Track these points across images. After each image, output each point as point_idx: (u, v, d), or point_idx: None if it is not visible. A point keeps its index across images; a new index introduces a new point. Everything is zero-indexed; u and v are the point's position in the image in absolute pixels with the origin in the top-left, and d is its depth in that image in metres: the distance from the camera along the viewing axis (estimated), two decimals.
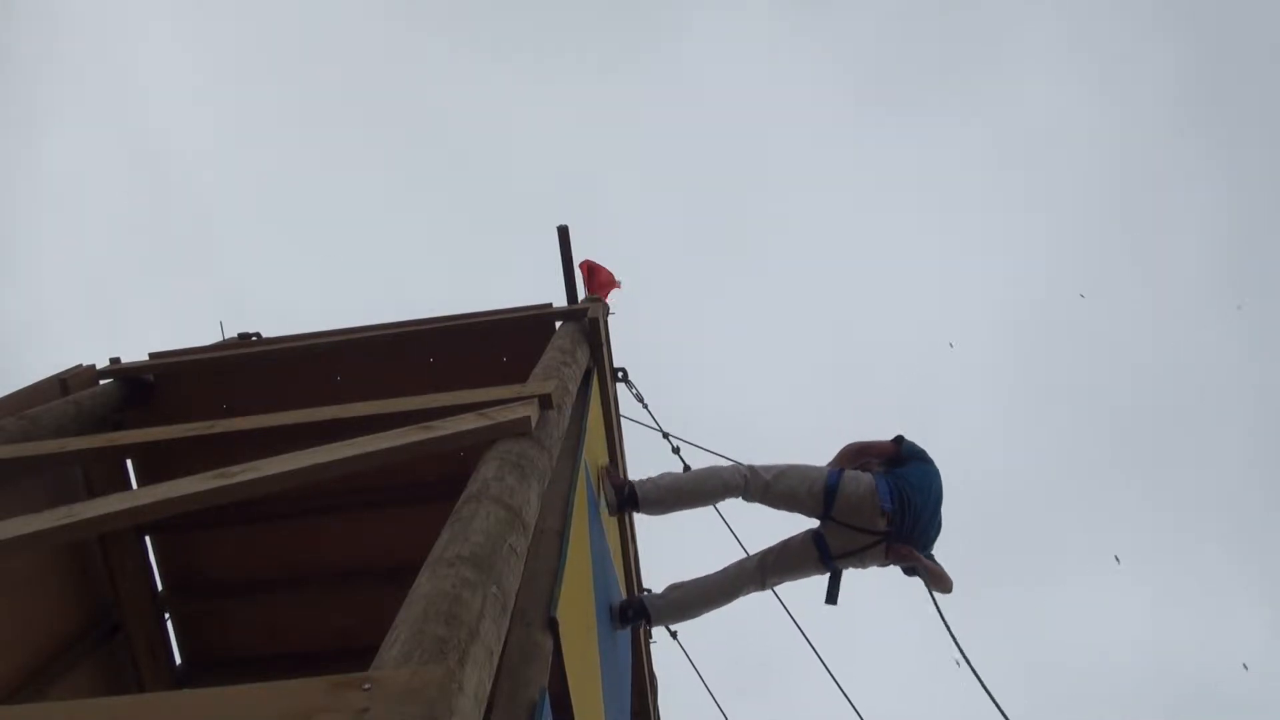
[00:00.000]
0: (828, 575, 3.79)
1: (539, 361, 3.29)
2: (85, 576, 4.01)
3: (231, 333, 4.72)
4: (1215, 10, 26.49)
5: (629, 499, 3.67)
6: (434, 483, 4.14)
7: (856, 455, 3.89)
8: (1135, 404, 26.39)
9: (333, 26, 29.52)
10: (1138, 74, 28.04)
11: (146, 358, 4.23)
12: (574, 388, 3.24)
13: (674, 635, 4.75)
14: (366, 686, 1.12)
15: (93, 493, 3.86)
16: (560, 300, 4.66)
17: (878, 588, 4.12)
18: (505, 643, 1.68)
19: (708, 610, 3.84)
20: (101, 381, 4.03)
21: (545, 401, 2.52)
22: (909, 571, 3.73)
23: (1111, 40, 28.26)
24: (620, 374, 4.62)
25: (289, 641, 4.64)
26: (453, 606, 1.40)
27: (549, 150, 31.68)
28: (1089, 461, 27.10)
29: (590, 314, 4.05)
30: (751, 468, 3.80)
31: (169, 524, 4.06)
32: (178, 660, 4.54)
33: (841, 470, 3.73)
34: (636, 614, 3.71)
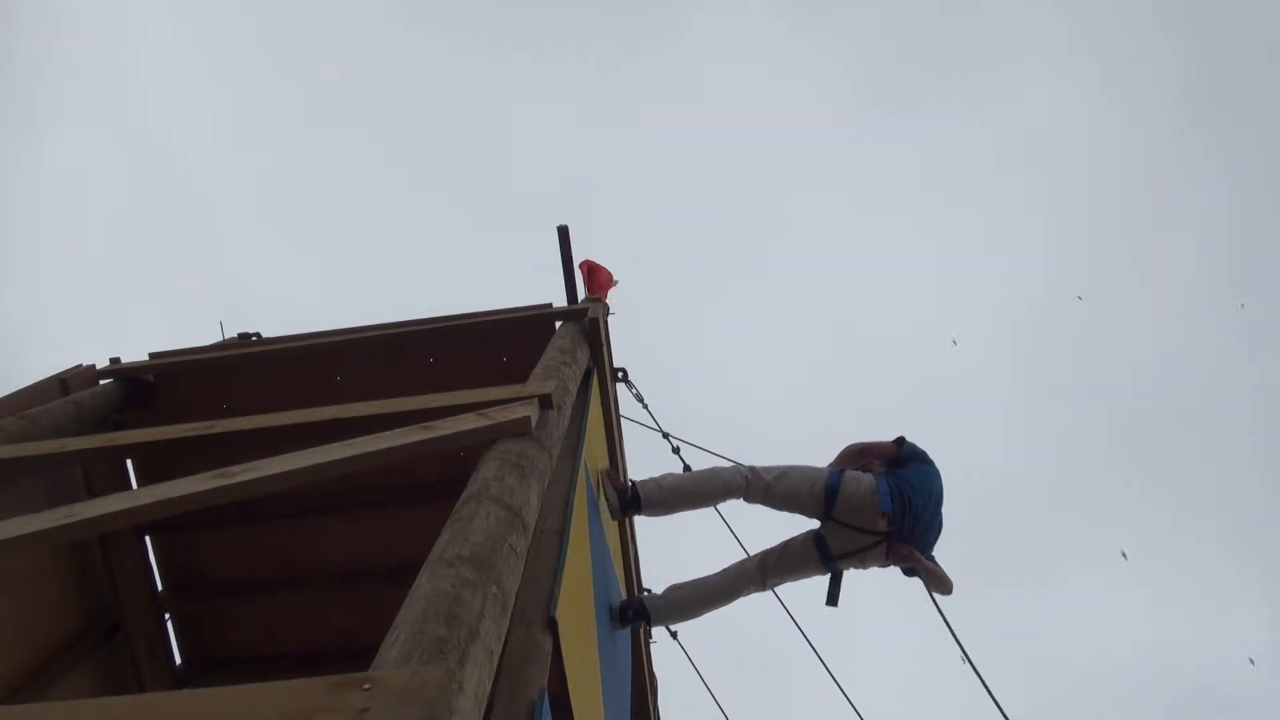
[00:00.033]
0: (828, 576, 3.79)
1: (539, 361, 3.29)
2: (85, 576, 4.01)
3: (231, 333, 4.72)
4: (1215, 10, 26.51)
5: (632, 501, 3.66)
6: (434, 483, 4.14)
7: (858, 456, 3.89)
8: (1135, 404, 26.41)
9: (333, 26, 29.54)
10: (1138, 74, 28.06)
11: (146, 358, 4.23)
12: (574, 388, 3.24)
13: (674, 635, 4.75)
14: (366, 686, 1.12)
15: (93, 493, 3.86)
16: (560, 300, 4.66)
17: (878, 588, 4.13)
18: (505, 643, 1.68)
19: (708, 611, 3.84)
20: (101, 381, 4.03)
21: (545, 401, 2.52)
22: (909, 572, 3.73)
23: (1111, 40, 28.28)
24: (620, 374, 4.62)
25: (289, 641, 4.64)
26: (453, 606, 1.40)
27: (549, 150, 31.71)
28: (1089, 461, 27.12)
29: (590, 314, 4.05)
30: (752, 469, 3.79)
31: (169, 524, 4.06)
32: (178, 660, 4.53)
33: (842, 471, 3.73)
34: (636, 614, 3.71)
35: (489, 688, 1.39)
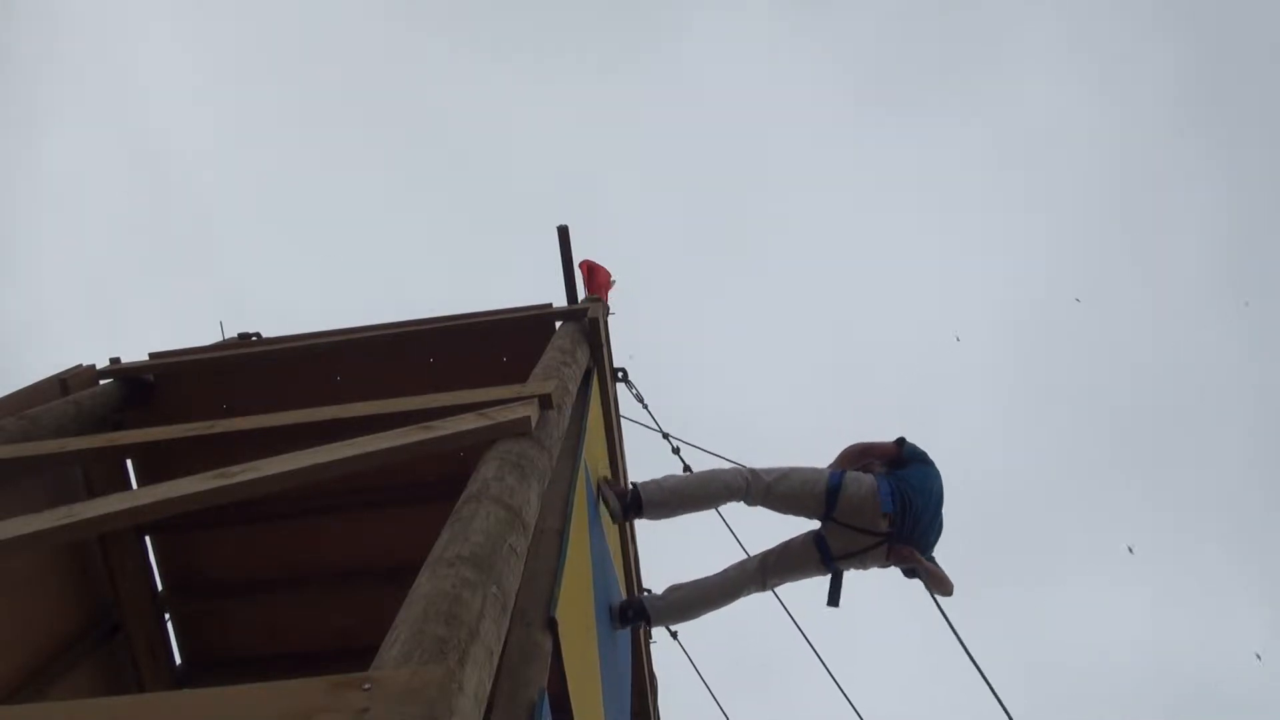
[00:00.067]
0: (829, 577, 3.79)
1: (539, 361, 3.29)
2: (85, 576, 4.01)
3: (231, 333, 4.72)
4: (1215, 10, 26.52)
5: (632, 505, 3.64)
6: (434, 483, 4.14)
7: (858, 456, 3.89)
8: (1135, 404, 26.41)
9: (333, 26, 29.54)
10: (1138, 74, 28.07)
11: (146, 358, 4.23)
12: (574, 388, 3.24)
13: (674, 635, 4.75)
14: (366, 686, 1.12)
15: (93, 493, 3.86)
16: (560, 300, 4.66)
17: (878, 589, 4.13)
18: (505, 643, 1.68)
19: (708, 611, 3.84)
20: (101, 381, 4.03)
21: (545, 401, 2.52)
22: (909, 574, 3.73)
23: (1111, 40, 28.29)
24: (620, 374, 4.62)
25: (289, 641, 4.64)
26: (453, 606, 1.40)
27: (549, 150, 31.72)
28: (1089, 461, 27.13)
29: (590, 314, 4.05)
30: (753, 470, 3.78)
31: (169, 524, 4.06)
32: (178, 660, 4.53)
33: (843, 471, 3.72)
34: (636, 614, 3.71)
35: (489, 688, 1.39)
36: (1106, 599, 22.74)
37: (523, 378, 3.04)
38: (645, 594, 4.47)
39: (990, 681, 3.24)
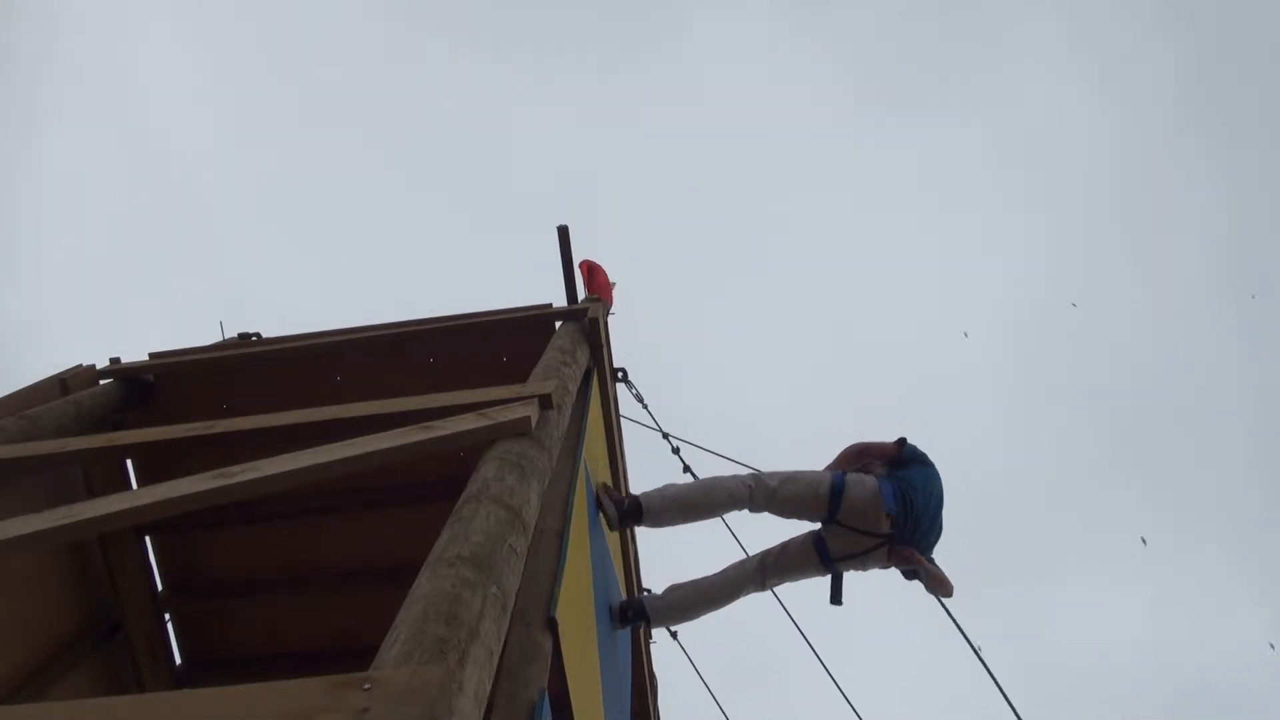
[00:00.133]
0: (829, 577, 3.78)
1: (539, 361, 3.28)
2: (85, 576, 4.01)
3: (231, 333, 4.73)
4: (1215, 10, 26.53)
5: (630, 511, 3.63)
6: (434, 483, 4.14)
7: (858, 457, 3.88)
8: (1135, 404, 26.42)
9: (333, 26, 29.55)
10: (1138, 74, 28.08)
11: (146, 358, 4.23)
12: (574, 388, 3.24)
13: (674, 635, 4.75)
14: (366, 686, 1.11)
15: (93, 493, 3.86)
16: (560, 300, 4.66)
17: (878, 590, 4.13)
18: (505, 643, 1.68)
19: (708, 611, 3.83)
20: (101, 381, 4.03)
21: (545, 401, 2.52)
22: (909, 575, 3.72)
23: (1111, 40, 28.30)
24: (620, 374, 4.62)
25: (289, 641, 4.64)
26: (453, 606, 1.40)
27: (549, 150, 31.74)
28: (1089, 461, 27.14)
29: (590, 314, 4.05)
30: (755, 476, 3.76)
31: (169, 524, 4.05)
32: (178, 660, 4.53)
33: (845, 473, 3.71)
34: (636, 615, 3.70)
35: (489, 688, 1.39)
36: (1106, 599, 22.76)
37: (523, 378, 3.04)
38: (645, 594, 4.47)
39: (999, 681, 3.24)
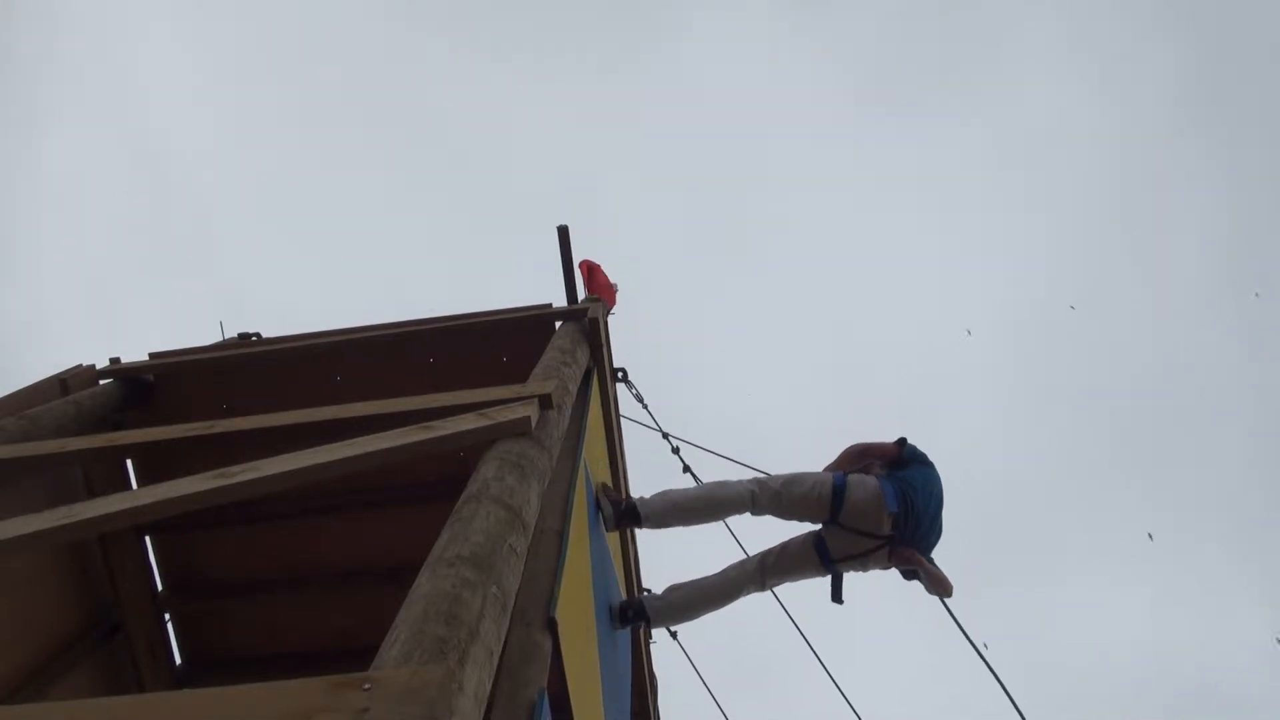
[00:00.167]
0: (829, 577, 3.78)
1: (539, 361, 3.29)
2: (85, 576, 4.01)
3: (231, 333, 4.73)
4: (1215, 10, 26.53)
5: (628, 513, 3.63)
6: (434, 483, 4.14)
7: (858, 457, 3.87)
8: (1135, 404, 26.43)
9: (333, 26, 29.56)
10: (1138, 74, 28.08)
11: (146, 358, 4.23)
12: (574, 388, 3.24)
13: (674, 635, 4.75)
14: (366, 686, 1.12)
15: (93, 493, 3.86)
16: (560, 300, 4.66)
17: (878, 591, 4.13)
18: (505, 643, 1.68)
19: (707, 611, 3.83)
20: (101, 381, 4.03)
21: (545, 401, 2.52)
22: (908, 575, 3.72)
23: (1111, 40, 28.30)
24: (620, 374, 4.62)
25: (289, 641, 4.64)
26: (453, 606, 1.40)
27: (549, 150, 31.74)
28: (1089, 461, 27.15)
29: (590, 314, 4.05)
30: (758, 481, 3.76)
31: (169, 524, 4.05)
32: (178, 660, 4.53)
33: (846, 474, 3.71)
34: (636, 615, 3.70)
35: (489, 688, 1.39)
36: (1106, 599, 22.77)
37: (523, 378, 3.04)
38: (645, 594, 4.47)
39: (1002, 680, 3.24)
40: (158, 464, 3.98)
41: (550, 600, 2.33)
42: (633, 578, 4.53)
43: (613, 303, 4.81)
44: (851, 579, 3.78)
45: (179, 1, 29.04)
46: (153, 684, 4.22)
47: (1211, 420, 26.05)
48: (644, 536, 4.84)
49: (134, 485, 4.11)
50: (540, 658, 2.17)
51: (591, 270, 4.90)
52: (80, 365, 4.00)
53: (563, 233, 4.71)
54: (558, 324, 4.06)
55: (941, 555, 3.78)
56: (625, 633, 3.78)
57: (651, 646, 4.87)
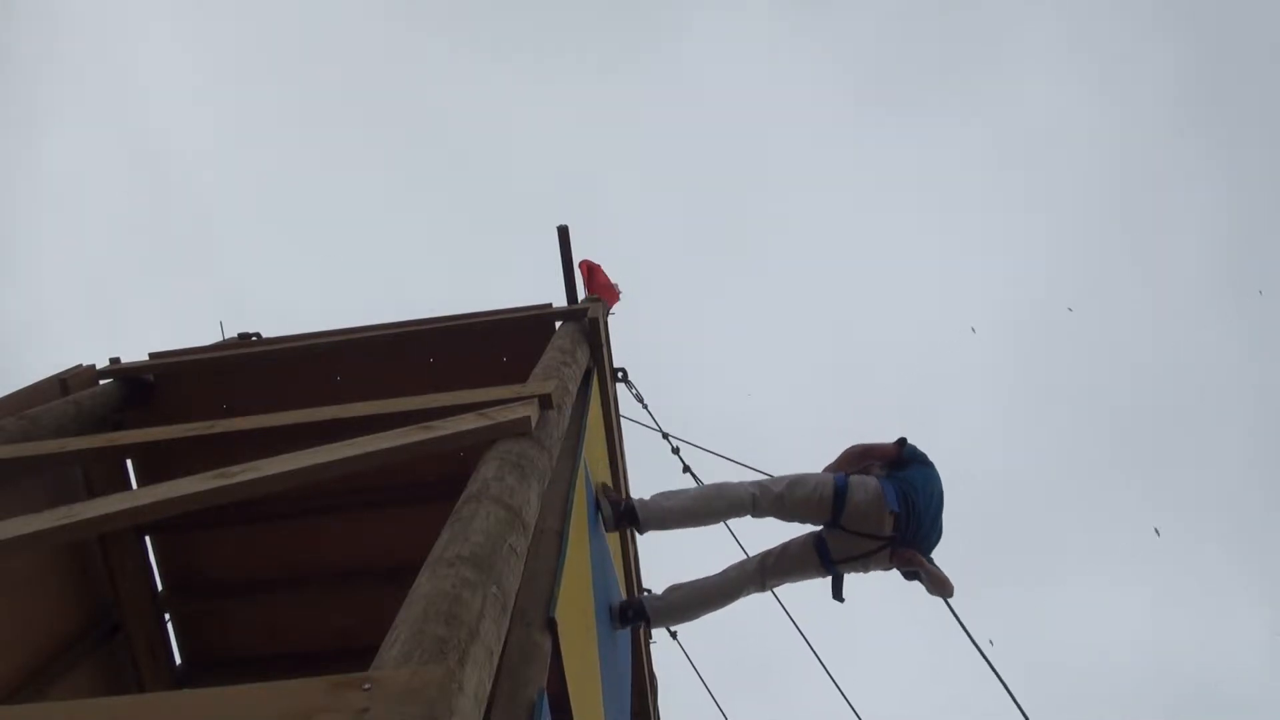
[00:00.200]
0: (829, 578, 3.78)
1: (539, 361, 3.29)
2: (85, 576, 4.01)
3: (231, 333, 4.73)
4: (1215, 10, 26.52)
5: (626, 514, 3.62)
6: (434, 483, 4.14)
7: (859, 458, 3.87)
8: (1135, 404, 26.43)
9: (333, 26, 29.54)
10: (1138, 74, 28.07)
11: (146, 358, 4.23)
12: (574, 388, 3.24)
13: (674, 635, 4.75)
14: (366, 686, 1.12)
15: (93, 493, 3.86)
16: (560, 300, 4.66)
17: (878, 591, 4.12)
18: (505, 643, 1.68)
19: (707, 612, 3.83)
20: (101, 381, 4.03)
21: (545, 401, 2.52)
22: (909, 576, 3.72)
23: (1111, 40, 28.29)
24: (620, 374, 4.62)
25: (289, 641, 4.64)
26: (453, 606, 1.40)
27: (549, 150, 31.72)
28: (1089, 461, 27.14)
29: (590, 314, 4.05)
30: (759, 484, 3.76)
31: (169, 524, 4.05)
32: (178, 660, 4.53)
33: (847, 475, 3.70)
34: (636, 615, 3.70)
35: (489, 688, 1.39)
36: (1106, 599, 22.77)
37: (523, 378, 3.04)
38: (645, 594, 4.47)
39: (1004, 679, 3.24)
40: (158, 464, 3.98)
41: (550, 600, 2.33)
42: (633, 578, 4.53)
43: (614, 302, 4.81)
44: (852, 579, 3.78)
45: (179, 1, 29.06)
46: (153, 684, 4.22)
47: (1211, 420, 26.06)
48: (644, 536, 4.83)
49: (134, 485, 4.11)
50: (540, 658, 2.17)
51: (591, 270, 4.90)
52: (80, 365, 4.00)
53: (563, 233, 4.71)
54: (558, 324, 4.06)
55: (942, 555, 3.78)
56: (625, 633, 3.78)
57: (651, 646, 4.88)
